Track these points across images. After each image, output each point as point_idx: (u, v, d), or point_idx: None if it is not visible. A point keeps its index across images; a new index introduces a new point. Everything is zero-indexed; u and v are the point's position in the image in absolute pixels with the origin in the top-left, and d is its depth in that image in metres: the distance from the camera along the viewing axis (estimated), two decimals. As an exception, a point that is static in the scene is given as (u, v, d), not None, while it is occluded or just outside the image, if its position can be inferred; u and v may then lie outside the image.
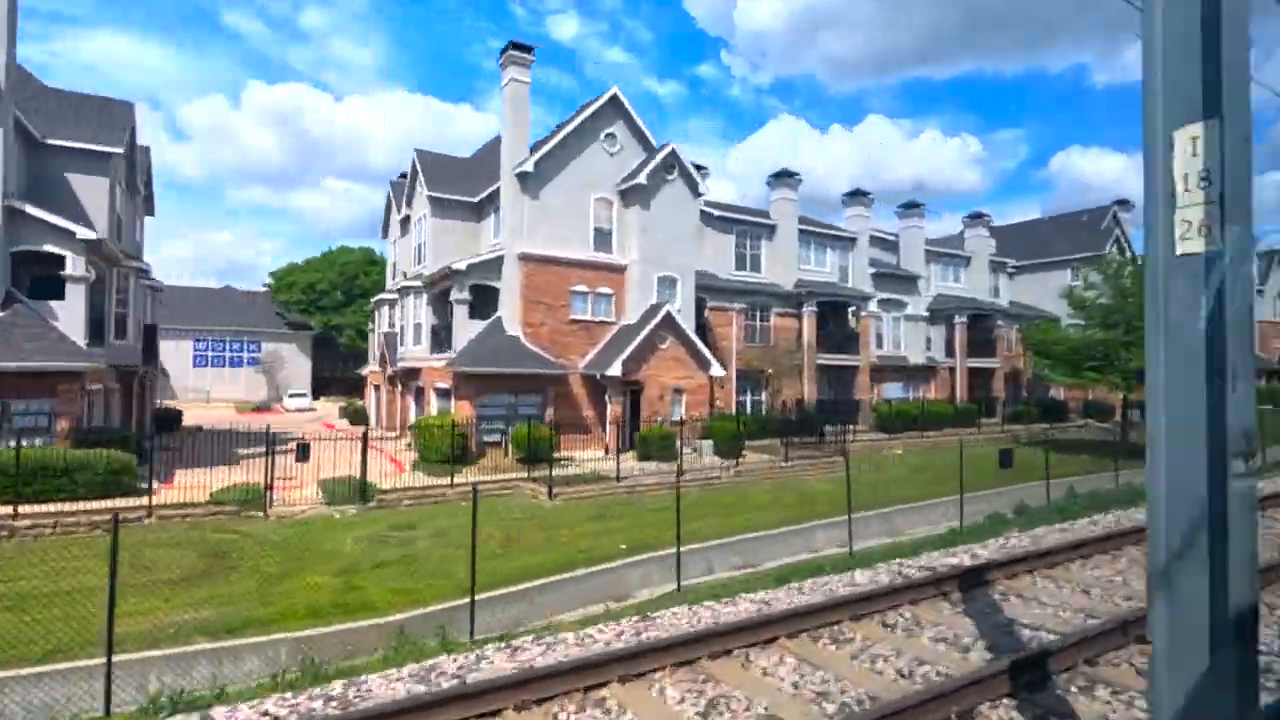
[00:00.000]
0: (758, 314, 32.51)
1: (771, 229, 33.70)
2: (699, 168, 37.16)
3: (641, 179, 25.50)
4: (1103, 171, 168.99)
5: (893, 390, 37.39)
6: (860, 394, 34.20)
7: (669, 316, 25.03)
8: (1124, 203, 48.47)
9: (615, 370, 23.54)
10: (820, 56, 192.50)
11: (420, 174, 29.55)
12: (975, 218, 42.34)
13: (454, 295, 24.06)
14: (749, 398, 32.02)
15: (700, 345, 25.85)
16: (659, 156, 25.91)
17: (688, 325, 26.38)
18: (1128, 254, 44.50)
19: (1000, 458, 17.47)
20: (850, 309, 34.48)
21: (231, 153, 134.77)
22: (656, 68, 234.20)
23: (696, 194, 26.93)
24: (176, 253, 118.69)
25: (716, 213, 32.51)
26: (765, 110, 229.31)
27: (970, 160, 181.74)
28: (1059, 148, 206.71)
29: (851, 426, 32.75)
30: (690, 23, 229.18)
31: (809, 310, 32.56)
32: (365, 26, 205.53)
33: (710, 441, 24.16)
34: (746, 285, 32.02)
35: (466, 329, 23.98)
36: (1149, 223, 2.73)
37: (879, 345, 37.83)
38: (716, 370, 26.07)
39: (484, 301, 24.70)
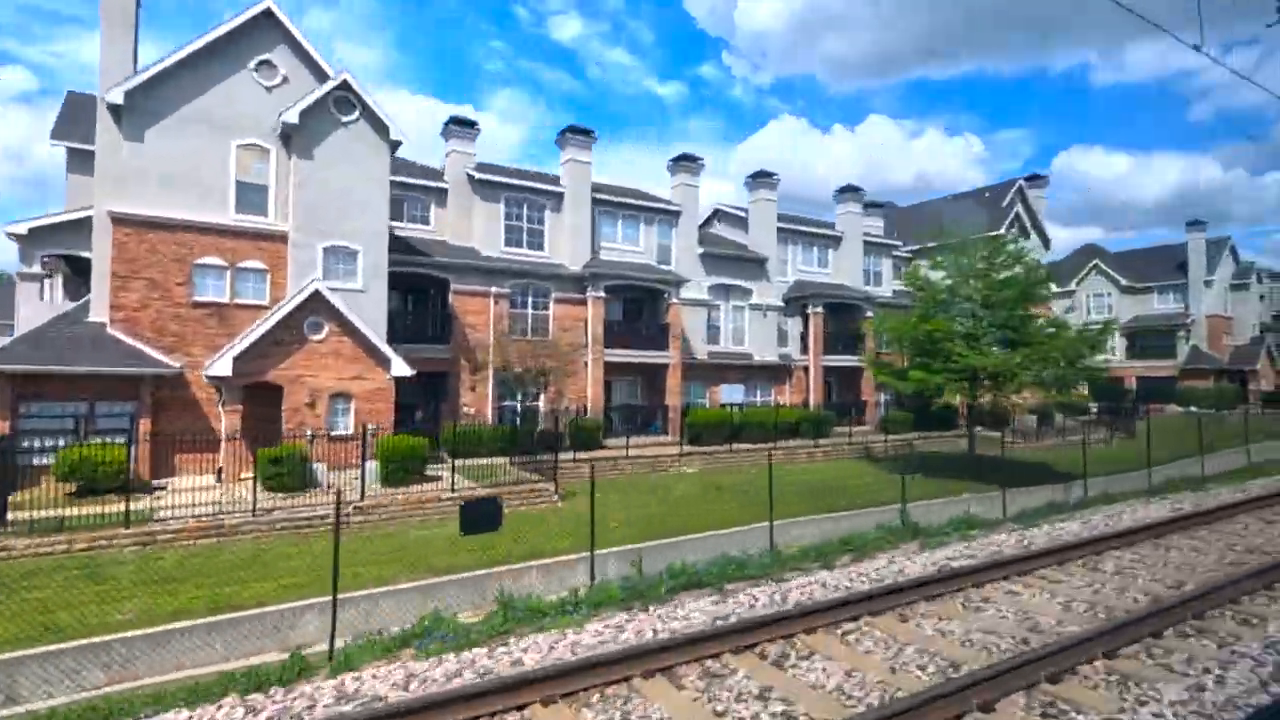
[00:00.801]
0: (531, 300, 26.42)
1: (558, 197, 27.60)
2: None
3: (300, 118, 19.46)
4: (1105, 171, 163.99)
5: (732, 393, 31.27)
6: (670, 398, 28.08)
7: (319, 298, 18.92)
8: (1036, 178, 42.30)
9: (224, 368, 17.47)
10: (821, 57, 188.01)
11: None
12: (847, 192, 36.16)
13: (20, 268, 18.03)
14: (518, 403, 25.95)
15: (376, 338, 19.74)
16: (327, 89, 19.82)
17: (374, 311, 20.34)
18: (1031, 236, 38.38)
19: (463, 519, 11.18)
20: (664, 295, 28.36)
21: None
22: (658, 69, 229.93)
23: (388, 139, 20.82)
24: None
25: (481, 175, 26.42)
26: (766, 110, 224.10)
27: (973, 160, 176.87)
28: (1061, 147, 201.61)
29: (661, 437, 26.70)
30: (691, 23, 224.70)
31: (595, 295, 26.44)
32: (369, 30, 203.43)
33: (375, 464, 18.12)
34: (515, 265, 25.92)
35: (39, 313, 17.97)
36: None
37: (713, 339, 31.71)
38: (401, 369, 19.95)
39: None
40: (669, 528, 16.39)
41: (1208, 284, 53.16)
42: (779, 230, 33.71)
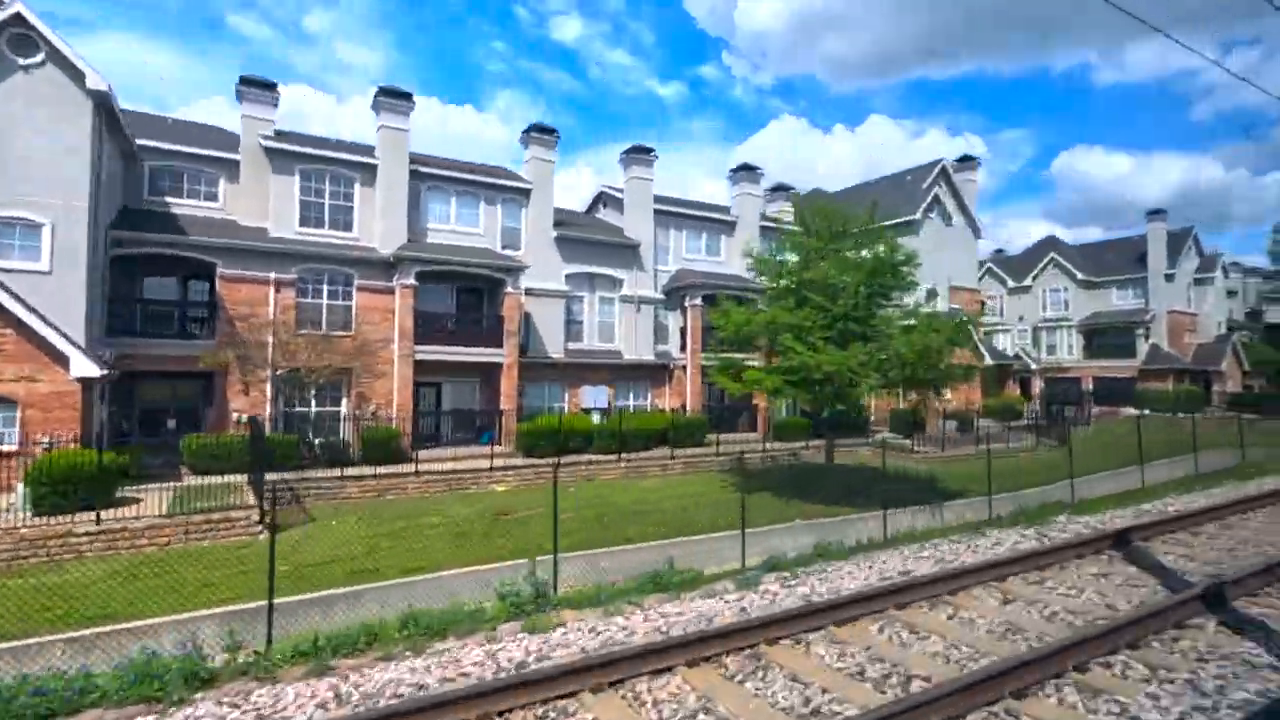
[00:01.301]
0: (329, 289, 22.68)
1: (369, 169, 23.88)
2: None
3: (-40, 59, 15.80)
4: (1107, 171, 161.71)
5: (596, 396, 27.48)
6: (505, 401, 24.31)
7: (-40, 279, 15.20)
8: (967, 159, 38.52)
9: None
10: (821, 57, 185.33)
11: None
12: (742, 171, 32.40)
13: None
14: (311, 408, 22.21)
15: (51, 332, 15.98)
16: (-5, 24, 16.13)
17: (67, 297, 16.62)
18: (954, 220, 34.62)
19: None
20: (505, 285, 24.58)
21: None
22: (659, 69, 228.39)
23: (85, 90, 17.07)
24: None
25: (275, 144, 22.72)
26: (767, 111, 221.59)
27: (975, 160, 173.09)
28: (1062, 147, 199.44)
29: (495, 447, 22.95)
30: (691, 24, 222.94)
31: (404, 283, 22.68)
32: (369, 30, 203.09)
33: (23, 487, 14.39)
34: (308, 247, 22.19)
35: None
36: None
37: (574, 336, 27.96)
38: (84, 368, 16.18)
39: None
40: (349, 572, 12.67)
41: (1169, 278, 49.31)
42: (660, 214, 29.95)
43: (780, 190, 35.51)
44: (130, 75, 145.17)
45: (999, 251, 66.56)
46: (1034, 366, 54.83)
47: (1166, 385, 47.51)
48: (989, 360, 34.35)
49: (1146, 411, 44.20)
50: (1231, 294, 59.71)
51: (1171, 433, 38.26)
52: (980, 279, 60.49)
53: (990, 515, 17.17)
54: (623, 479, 22.68)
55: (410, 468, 20.06)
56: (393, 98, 23.95)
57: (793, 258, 21.04)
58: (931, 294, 33.30)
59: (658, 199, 30.05)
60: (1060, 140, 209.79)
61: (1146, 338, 49.49)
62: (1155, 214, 50.04)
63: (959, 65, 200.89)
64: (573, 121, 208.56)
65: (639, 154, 29.57)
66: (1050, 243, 58.50)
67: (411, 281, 22.60)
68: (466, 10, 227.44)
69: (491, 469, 21.03)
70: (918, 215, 32.30)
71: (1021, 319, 56.42)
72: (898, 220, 33.17)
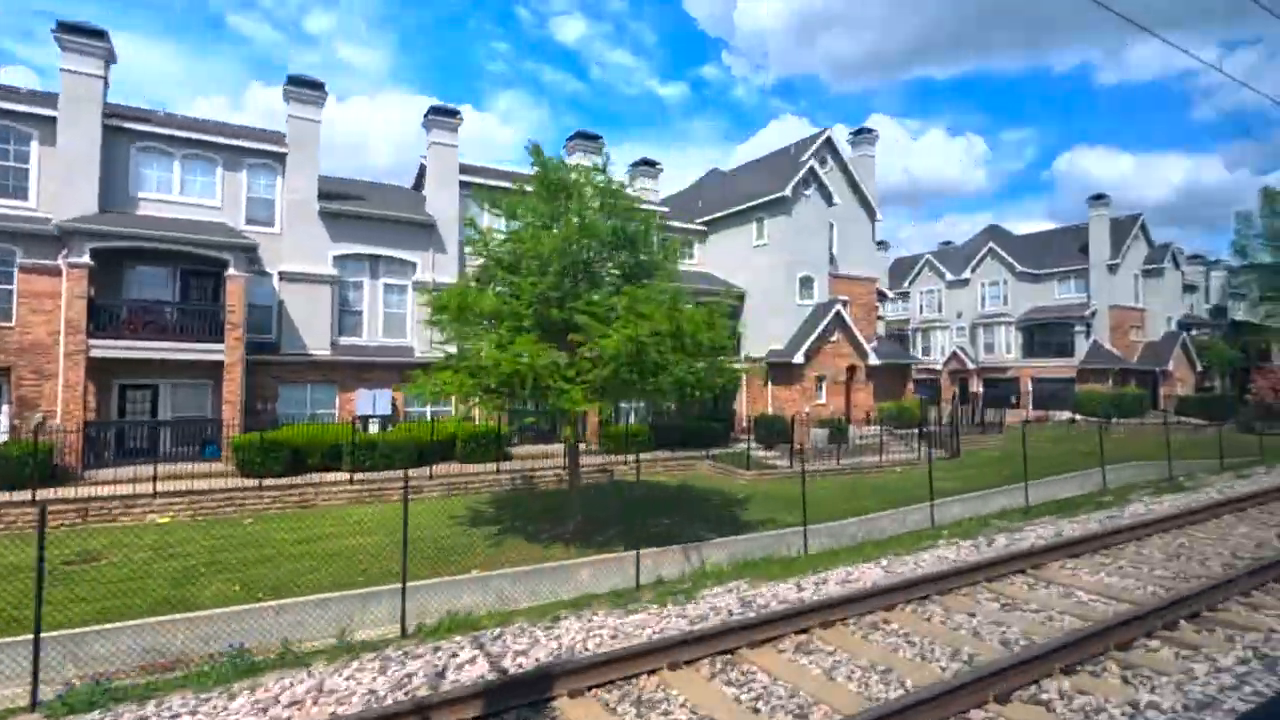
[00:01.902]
0: (-21, 269, 18.25)
1: (49, 122, 19.42)
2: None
3: None
4: (1109, 171, 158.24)
5: (373, 401, 23.03)
6: (227, 409, 19.84)
7: None
8: (864, 132, 33.99)
9: None
10: (821, 56, 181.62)
11: None
12: (579, 140, 27.88)
13: None
14: (-47, 418, 17.76)
15: None
16: None
17: None
18: (837, 201, 30.14)
19: None
20: (228, 266, 20.07)
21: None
22: (660, 69, 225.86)
23: None
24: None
25: (-86, 89, 18.31)
26: (769, 111, 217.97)
27: (976, 161, 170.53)
28: (1065, 147, 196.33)
29: (213, 463, 18.49)
30: (692, 24, 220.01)
31: (74, 262, 18.15)
32: (371, 30, 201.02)
33: None
34: (-49, 216, 17.77)
35: None
36: None
37: (351, 330, 23.53)
38: None
39: None
40: None
41: (1112, 269, 44.78)
42: (469, 186, 25.48)
43: (644, 165, 31.09)
44: (127, 72, 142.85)
45: (947, 244, 62.18)
46: (971, 366, 50.37)
47: (1107, 387, 43.00)
48: (874, 359, 29.84)
49: (1077, 417, 39.70)
50: (1192, 289, 55.18)
51: (1095, 442, 33.88)
52: (917, 272, 56.16)
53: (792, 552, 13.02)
54: (349, 505, 18.28)
55: (28, 495, 15.64)
56: (76, 34, 19.42)
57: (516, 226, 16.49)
58: (806, 282, 28.83)
59: (465, 169, 25.60)
60: (1062, 140, 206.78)
61: (1087, 335, 44.99)
62: (1097, 199, 45.53)
63: (961, 65, 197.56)
64: (574, 122, 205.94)
65: (442, 116, 25.14)
66: (991, 232, 53.98)
67: (84, 260, 18.10)
68: (468, 11, 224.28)
69: (155, 495, 16.59)
70: (786, 191, 27.78)
71: (960, 315, 51.94)
72: (764, 199, 28.70)
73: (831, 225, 31.12)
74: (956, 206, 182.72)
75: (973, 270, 51.03)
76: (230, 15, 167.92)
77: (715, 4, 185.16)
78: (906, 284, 56.41)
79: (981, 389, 49.85)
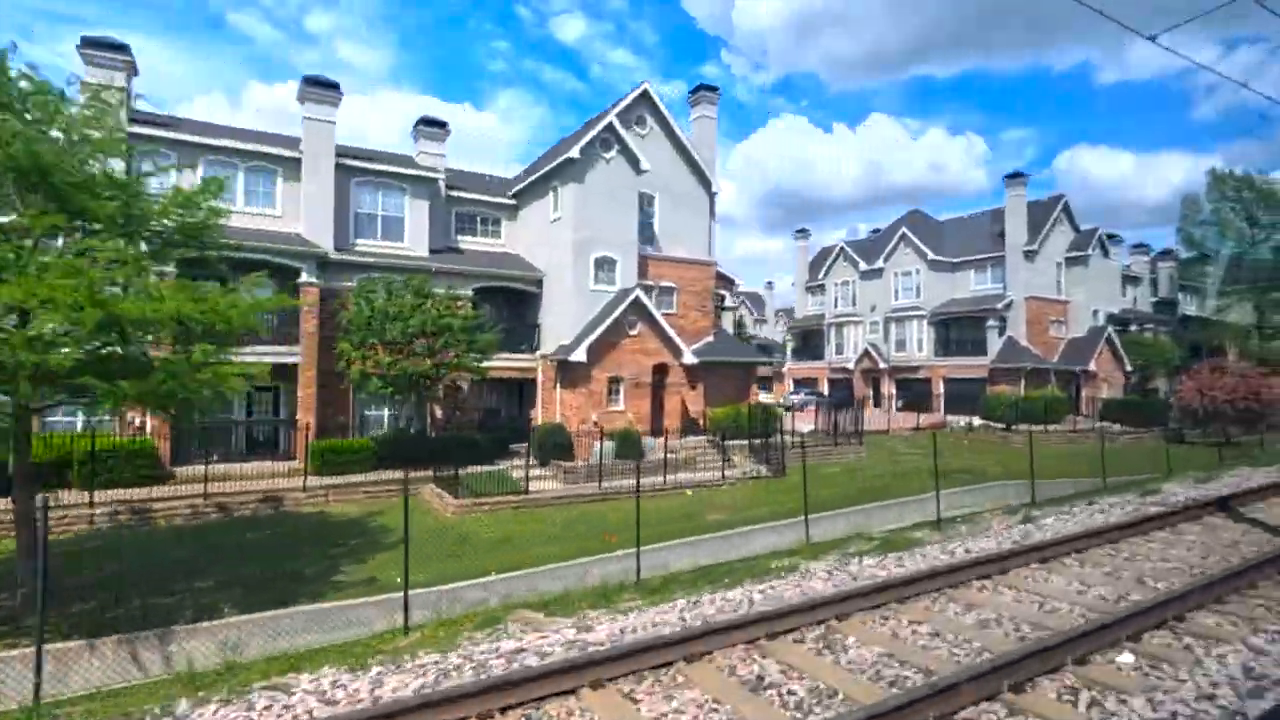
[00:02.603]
0: None
1: None
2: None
3: None
4: (1109, 170, 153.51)
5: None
6: None
7: None
8: (704, 89, 29.12)
9: None
10: (821, 55, 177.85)
11: None
12: (314, 86, 23.01)
13: None
14: None
15: None
16: None
17: None
18: (646, 163, 25.46)
19: None
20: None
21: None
22: (661, 68, 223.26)
23: None
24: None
25: None
26: (769, 110, 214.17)
27: (976, 160, 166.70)
28: (1065, 146, 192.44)
29: None
30: (691, 23, 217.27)
31: None
32: (369, 30, 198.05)
33: None
34: None
35: None
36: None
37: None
38: None
39: None
40: None
41: (1029, 256, 40.00)
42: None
43: (427, 125, 26.37)
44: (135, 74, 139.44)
45: (876, 231, 57.38)
46: (882, 365, 45.63)
47: (1018, 389, 38.24)
48: (690, 358, 25.09)
49: (975, 423, 34.94)
50: (1135, 280, 50.40)
51: (983, 456, 29.18)
52: (832, 263, 51.33)
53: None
54: None
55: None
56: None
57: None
58: (605, 264, 24.08)
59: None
60: (1062, 139, 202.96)
61: (1001, 331, 40.23)
62: (1014, 177, 40.73)
63: (960, 64, 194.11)
64: (574, 121, 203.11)
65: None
66: (910, 217, 49.19)
67: None
68: (468, 10, 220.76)
69: None
70: (574, 153, 22.99)
71: (874, 309, 47.15)
72: (557, 163, 23.92)
73: (653, 198, 26.37)
74: (956, 206, 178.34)
75: (885, 259, 46.26)
76: (231, 14, 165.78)
77: (714, 3, 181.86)
78: (822, 275, 51.66)
79: (894, 390, 45.13)
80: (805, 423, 30.29)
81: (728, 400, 27.51)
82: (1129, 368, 41.67)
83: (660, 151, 26.36)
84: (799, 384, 53.39)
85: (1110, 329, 40.83)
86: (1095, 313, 41.99)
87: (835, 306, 50.38)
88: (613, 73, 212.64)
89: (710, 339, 27.31)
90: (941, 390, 42.11)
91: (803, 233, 54.94)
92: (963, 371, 41.00)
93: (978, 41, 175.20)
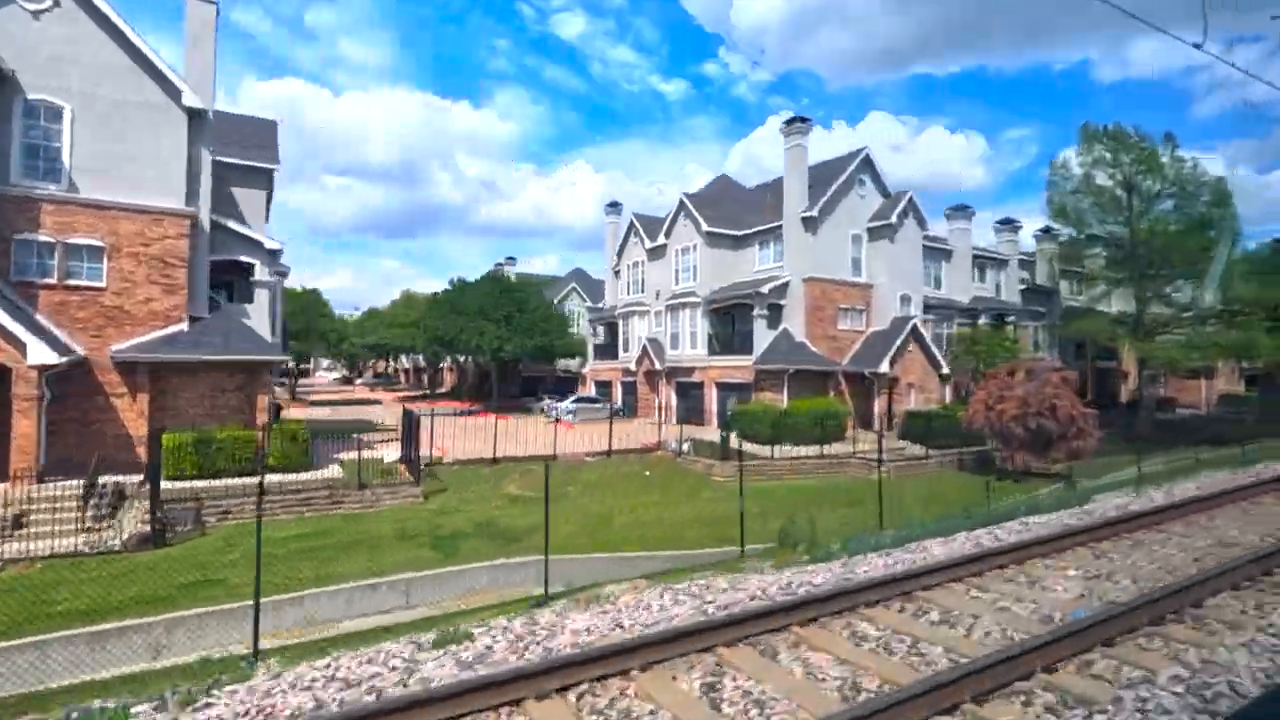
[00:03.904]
0: None
1: None
2: None
3: None
4: None
5: None
6: None
7: None
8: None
9: None
10: (819, 52, 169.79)
11: None
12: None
13: None
14: None
15: None
16: None
17: None
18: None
19: None
20: None
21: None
22: (662, 66, 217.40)
23: None
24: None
25: None
26: (768, 107, 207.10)
27: (976, 158, 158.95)
28: (1066, 144, 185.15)
29: None
30: (689, 20, 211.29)
31: None
32: (369, 27, 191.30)
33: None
34: None
35: None
36: None
37: None
38: None
39: None
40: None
41: (809, 225, 30.92)
42: None
43: None
44: None
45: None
46: (659, 365, 36.64)
47: (780, 396, 29.22)
48: (44, 357, 16.18)
49: (687, 447, 25.83)
50: (997, 263, 41.17)
51: (637, 499, 20.05)
52: (624, 240, 42.27)
53: None
54: None
55: None
56: None
57: None
58: None
59: None
60: (1061, 137, 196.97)
61: (774, 321, 31.17)
62: (792, 123, 31.57)
63: (961, 61, 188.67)
64: (574, 119, 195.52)
65: None
66: (716, 184, 40.04)
67: None
68: (469, 6, 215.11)
69: None
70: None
71: (658, 295, 38.11)
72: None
73: (61, 111, 17.51)
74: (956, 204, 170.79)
75: (667, 234, 37.22)
76: (231, 11, 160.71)
77: (713, 0, 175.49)
78: (617, 257, 42.67)
79: (674, 397, 36.13)
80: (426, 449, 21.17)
81: (218, 415, 18.66)
82: (945, 370, 32.52)
83: (78, 28, 17.51)
84: (599, 387, 44.37)
85: (916, 321, 31.66)
86: (905, 300, 32.82)
87: (627, 293, 41.40)
88: (613, 70, 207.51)
89: (180, 327, 18.44)
90: (714, 396, 33.09)
91: (614, 207, 45.86)
92: (732, 374, 31.96)
93: (977, 38, 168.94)
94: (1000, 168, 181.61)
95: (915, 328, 31.35)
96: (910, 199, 32.58)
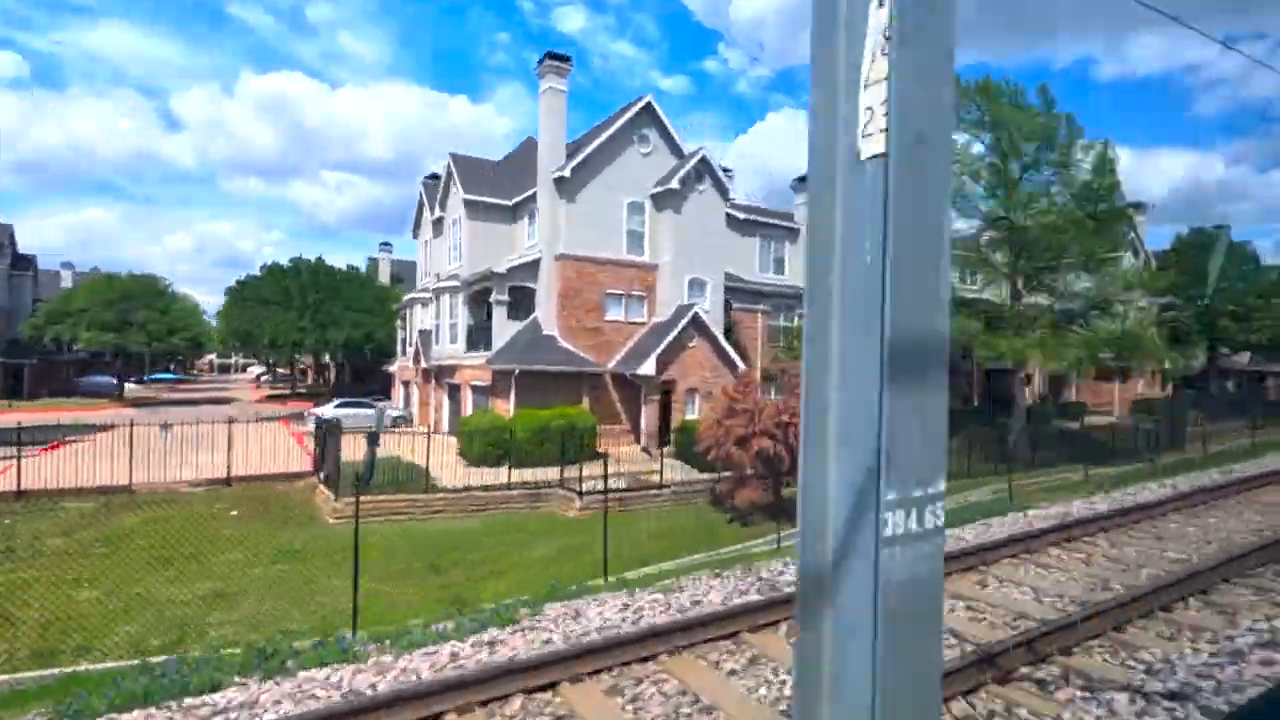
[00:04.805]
0: None
1: None
2: None
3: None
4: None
5: None
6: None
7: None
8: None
9: None
10: None
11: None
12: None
13: None
14: None
15: None
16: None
17: None
18: None
19: None
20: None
21: (225, 143, 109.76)
22: (662, 62, 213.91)
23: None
24: (177, 244, 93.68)
25: None
26: (769, 104, 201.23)
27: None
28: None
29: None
30: (689, 16, 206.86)
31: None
32: (369, 22, 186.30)
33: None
34: None
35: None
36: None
37: None
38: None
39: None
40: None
41: (565, 187, 24.59)
42: None
43: None
44: (129, 63, 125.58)
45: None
46: (425, 364, 30.48)
47: (509, 402, 22.97)
48: None
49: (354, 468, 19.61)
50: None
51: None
52: (417, 216, 36.07)
53: None
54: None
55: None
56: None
57: None
58: None
59: None
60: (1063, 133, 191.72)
61: (521, 308, 24.93)
62: (551, 59, 25.12)
63: (960, 57, 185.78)
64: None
65: None
66: (524, 148, 33.78)
67: None
68: (470, 1, 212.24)
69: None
70: None
71: (438, 277, 31.86)
72: None
73: None
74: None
75: (442, 204, 31.00)
76: (231, 6, 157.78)
77: None
78: (414, 231, 36.48)
79: (446, 400, 29.95)
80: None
81: None
82: (744, 371, 26.20)
83: None
84: (406, 388, 38.18)
85: (699, 310, 25.29)
86: (698, 284, 26.46)
87: (421, 278, 35.21)
88: (614, 64, 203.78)
89: None
90: (470, 401, 26.86)
91: (434, 179, 39.49)
92: (480, 375, 25.72)
93: (977, 35, 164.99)
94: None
95: (698, 318, 25.02)
96: (703, 158, 26.16)
